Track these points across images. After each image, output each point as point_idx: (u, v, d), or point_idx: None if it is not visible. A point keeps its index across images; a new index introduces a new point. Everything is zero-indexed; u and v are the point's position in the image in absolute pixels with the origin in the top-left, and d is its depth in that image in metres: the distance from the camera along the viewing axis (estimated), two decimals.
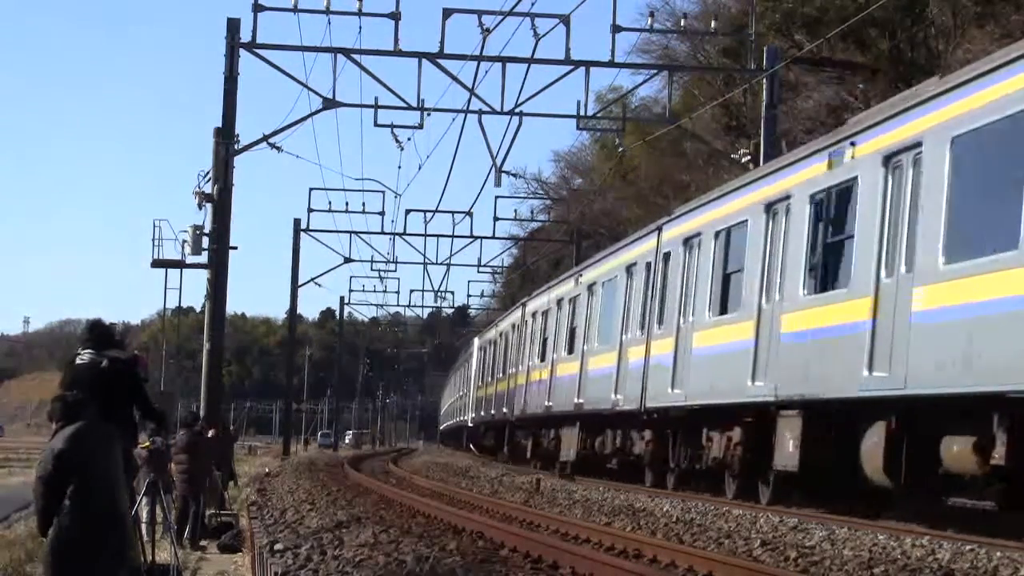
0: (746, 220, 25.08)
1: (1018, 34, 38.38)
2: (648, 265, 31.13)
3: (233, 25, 38.72)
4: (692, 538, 19.26)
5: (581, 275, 38.58)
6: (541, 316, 43.92)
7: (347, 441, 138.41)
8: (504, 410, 49.27)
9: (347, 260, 71.70)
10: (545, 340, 42.68)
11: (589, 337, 36.25)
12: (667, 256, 29.78)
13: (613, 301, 34.09)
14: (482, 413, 58.39)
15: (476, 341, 66.98)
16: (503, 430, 52.31)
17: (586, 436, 36.11)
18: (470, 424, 66.00)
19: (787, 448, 22.20)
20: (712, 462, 26.19)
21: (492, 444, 58.35)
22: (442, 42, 38.54)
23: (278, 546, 16.54)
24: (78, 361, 14.60)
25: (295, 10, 38.00)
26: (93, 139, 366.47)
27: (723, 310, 26.06)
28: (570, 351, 38.32)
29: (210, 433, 27.90)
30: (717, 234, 26.75)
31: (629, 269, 32.92)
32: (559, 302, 40.96)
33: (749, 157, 39.41)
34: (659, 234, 30.65)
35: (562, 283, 42.06)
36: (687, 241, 28.54)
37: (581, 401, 35.79)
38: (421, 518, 23.66)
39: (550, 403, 39.93)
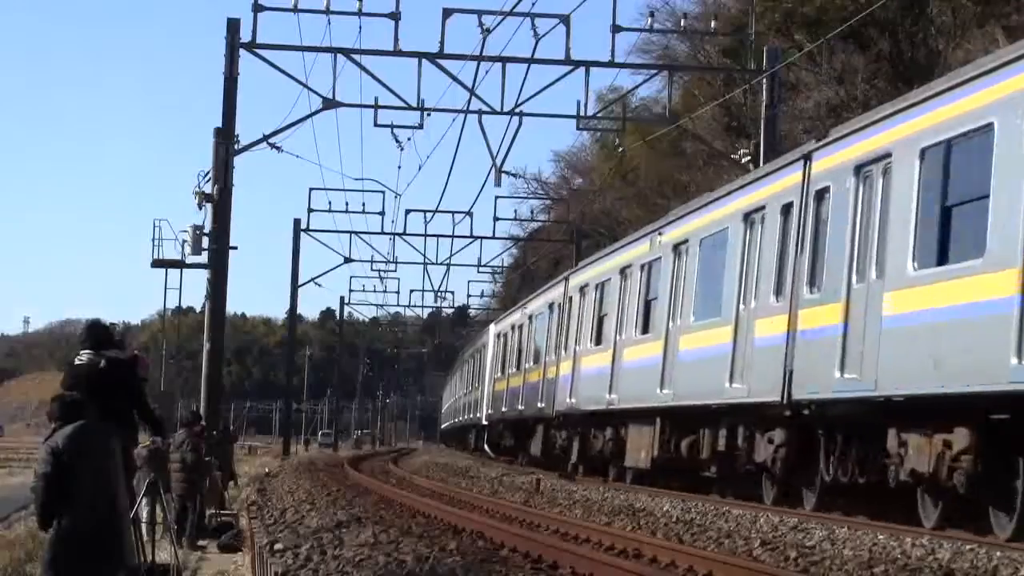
0: (991, 123, 17.30)
1: (1019, 34, 38.40)
2: (787, 208, 23.28)
3: (233, 25, 38.72)
4: (692, 538, 19.25)
5: (661, 233, 30.44)
6: (595, 290, 35.74)
7: (358, 439, 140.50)
8: (540, 404, 41.18)
9: (347, 260, 71.72)
10: (602, 319, 34.75)
11: (679, 311, 28.43)
12: (822, 193, 21.96)
13: (720, 262, 26.14)
14: (504, 409, 49.92)
15: (492, 328, 59.24)
16: (530, 428, 44.23)
17: (669, 436, 28.55)
18: (485, 422, 57.80)
19: None
20: (908, 477, 19.01)
21: (513, 445, 50.36)
22: (442, 42, 38.58)
23: (278, 546, 16.54)
24: (77, 362, 14.61)
25: (295, 10, 38.03)
26: (93, 139, 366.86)
27: (943, 258, 18.36)
28: (645, 330, 30.64)
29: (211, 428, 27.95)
30: (924, 153, 18.95)
31: (749, 217, 24.99)
32: (625, 271, 32.93)
33: (749, 157, 39.40)
34: (807, 165, 22.68)
35: (629, 247, 33.74)
36: (862, 168, 20.70)
37: (667, 392, 28.17)
38: (421, 518, 23.66)
39: (613, 395, 32.19)
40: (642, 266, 31.46)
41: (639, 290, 31.51)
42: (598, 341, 34.81)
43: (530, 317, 46.82)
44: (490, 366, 56.87)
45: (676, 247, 29.12)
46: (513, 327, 50.85)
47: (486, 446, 59.26)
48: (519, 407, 45.74)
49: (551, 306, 42.27)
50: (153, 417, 15.45)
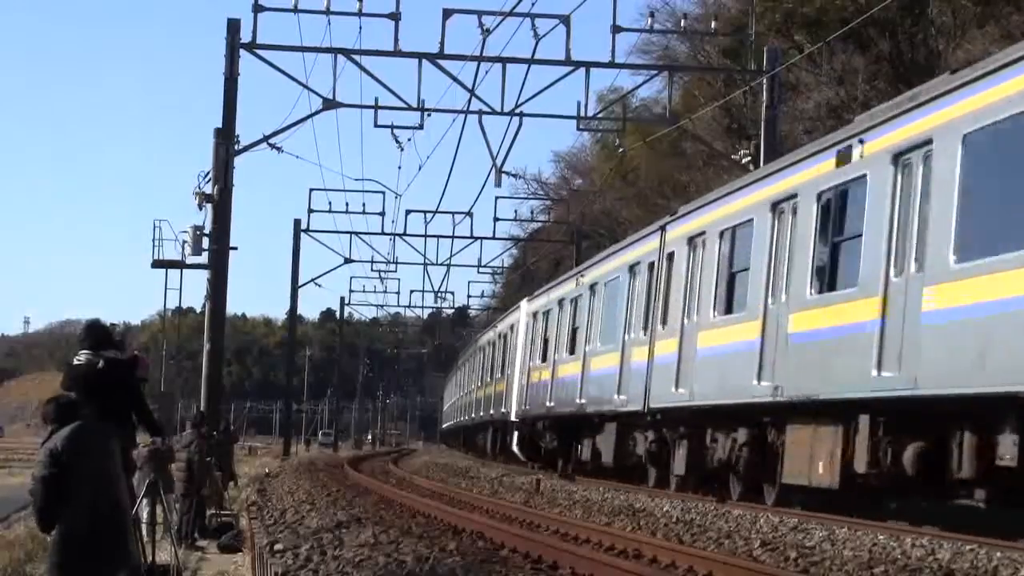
0: None
1: (1018, 35, 38.43)
2: None
3: (233, 25, 38.72)
4: (692, 538, 19.26)
5: (862, 140, 20.85)
6: (720, 240, 26.64)
7: (367, 441, 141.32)
8: (619, 396, 32.16)
9: (347, 260, 71.73)
10: (734, 278, 25.87)
11: (907, 254, 19.18)
12: None
13: (1014, 166, 16.83)
14: (548, 403, 40.79)
15: (524, 305, 49.32)
16: (593, 427, 35.35)
17: (880, 442, 19.62)
18: (514, 419, 47.91)
19: None
20: None
21: (556, 447, 41.16)
22: (442, 42, 38.56)
23: (278, 546, 16.54)
24: (75, 362, 14.62)
25: (295, 10, 38.01)
26: (93, 139, 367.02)
27: None
28: (832, 286, 21.60)
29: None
30: None
31: None
32: (779, 206, 23.92)
33: (750, 158, 39.40)
34: None
35: (784, 172, 24.22)
36: None
37: (892, 375, 19.03)
38: (421, 518, 23.67)
39: (764, 383, 23.32)
40: (818, 195, 22.23)
41: (813, 231, 22.28)
42: (728, 309, 26.11)
43: (591, 287, 37.15)
44: (523, 352, 47.77)
45: (898, 157, 19.73)
46: (561, 302, 41.09)
47: (515, 448, 48.93)
48: (578, 400, 36.56)
49: (633, 269, 32.67)
50: (151, 418, 15.44)
